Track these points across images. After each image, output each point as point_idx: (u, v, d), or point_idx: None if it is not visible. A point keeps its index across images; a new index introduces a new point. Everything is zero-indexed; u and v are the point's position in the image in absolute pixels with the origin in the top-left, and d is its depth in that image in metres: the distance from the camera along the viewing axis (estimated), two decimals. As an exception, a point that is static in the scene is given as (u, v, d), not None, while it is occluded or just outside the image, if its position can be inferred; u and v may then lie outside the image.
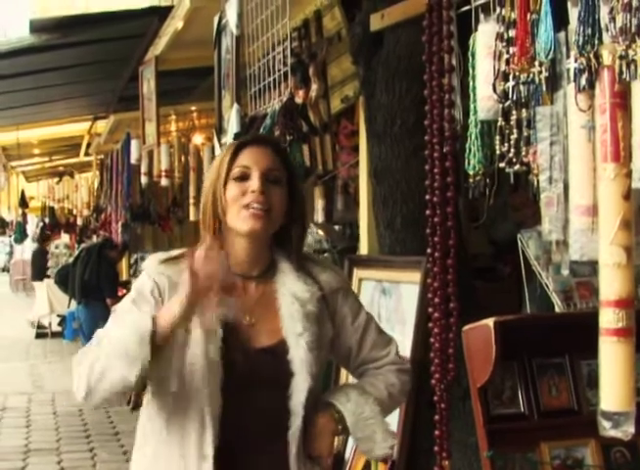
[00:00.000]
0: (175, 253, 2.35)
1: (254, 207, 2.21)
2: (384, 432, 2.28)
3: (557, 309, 3.60)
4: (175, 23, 5.87)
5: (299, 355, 2.22)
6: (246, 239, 2.26)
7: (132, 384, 2.11)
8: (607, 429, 1.96)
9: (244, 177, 2.24)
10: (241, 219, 2.22)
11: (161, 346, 2.13)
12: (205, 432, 2.18)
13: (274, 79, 4.38)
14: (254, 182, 2.22)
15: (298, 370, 2.22)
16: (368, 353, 2.39)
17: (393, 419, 3.84)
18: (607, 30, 1.95)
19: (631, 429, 1.99)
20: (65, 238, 21.48)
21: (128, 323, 2.14)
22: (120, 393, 2.16)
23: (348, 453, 3.96)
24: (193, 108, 9.16)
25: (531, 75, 2.29)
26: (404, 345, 3.91)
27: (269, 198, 2.23)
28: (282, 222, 2.29)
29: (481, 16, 2.59)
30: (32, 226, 22.33)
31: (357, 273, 4.45)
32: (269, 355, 2.24)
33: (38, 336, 16.56)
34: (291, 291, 2.28)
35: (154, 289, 2.27)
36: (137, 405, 10.34)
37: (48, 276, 10.16)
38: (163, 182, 9.04)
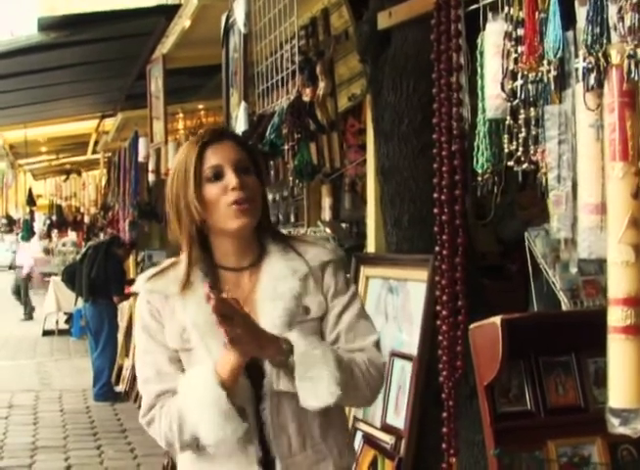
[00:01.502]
0: (160, 267, 2.39)
1: (239, 203, 2.22)
2: (330, 378, 2.15)
3: (564, 307, 3.61)
4: (183, 22, 5.88)
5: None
6: (233, 235, 2.28)
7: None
8: (615, 426, 1.96)
9: (217, 176, 2.24)
10: (229, 218, 2.23)
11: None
12: None
13: (282, 77, 4.39)
14: (231, 178, 2.22)
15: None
16: (344, 335, 2.32)
17: (401, 417, 3.86)
18: (615, 30, 1.95)
19: (640, 426, 1.99)
20: (72, 236, 21.53)
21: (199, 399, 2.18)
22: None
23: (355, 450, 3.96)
24: (200, 106, 9.15)
25: (540, 74, 2.29)
26: (411, 343, 3.93)
27: (248, 189, 2.23)
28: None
29: (490, 14, 2.59)
30: (40, 224, 22.35)
31: (364, 271, 4.45)
32: None
33: (45, 334, 16.61)
34: (271, 273, 2.29)
35: (152, 310, 2.32)
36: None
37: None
38: (171, 180, 9.03)
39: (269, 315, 2.25)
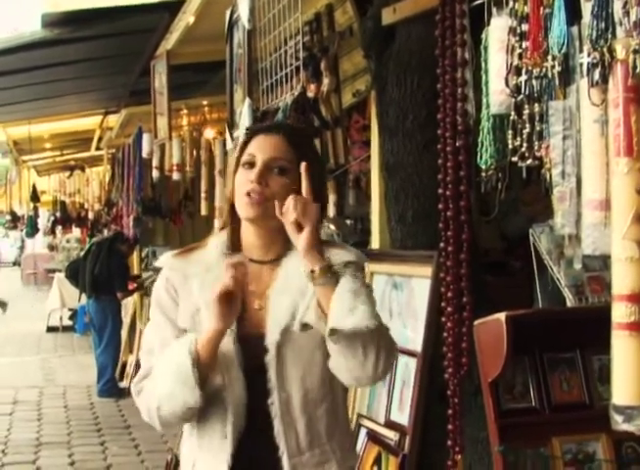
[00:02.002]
0: (186, 247, 2.42)
1: (251, 195, 2.23)
2: (370, 308, 2.13)
3: (568, 304, 3.60)
4: (187, 18, 5.87)
5: (276, 319, 2.24)
6: (253, 225, 2.30)
7: (195, 406, 2.22)
8: (619, 423, 1.96)
9: (250, 164, 2.27)
10: (241, 206, 2.27)
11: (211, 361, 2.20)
12: (227, 414, 2.24)
13: (286, 73, 4.38)
14: (255, 171, 2.24)
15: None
16: None
17: (405, 414, 3.85)
18: (620, 24, 1.94)
19: (644, 423, 1.99)
20: (76, 232, 21.55)
21: (171, 362, 2.22)
22: (182, 417, 2.26)
23: (359, 448, 3.96)
24: (204, 102, 9.14)
25: (544, 70, 2.29)
26: (416, 339, 3.92)
27: (269, 188, 2.24)
28: None
29: (494, 10, 2.59)
30: (44, 220, 22.37)
31: (369, 267, 4.44)
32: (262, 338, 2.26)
33: (49, 330, 16.63)
34: (287, 269, 2.29)
35: (168, 287, 2.34)
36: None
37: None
38: (175, 176, 9.03)
39: (276, 308, 2.26)
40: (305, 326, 2.21)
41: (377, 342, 2.18)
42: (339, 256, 2.30)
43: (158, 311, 2.35)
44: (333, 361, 2.22)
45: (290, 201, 2.16)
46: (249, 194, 2.23)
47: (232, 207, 2.32)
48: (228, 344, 2.23)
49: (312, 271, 2.16)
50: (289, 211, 2.15)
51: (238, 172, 2.29)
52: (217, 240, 2.36)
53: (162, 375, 2.23)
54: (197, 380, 2.16)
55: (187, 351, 2.18)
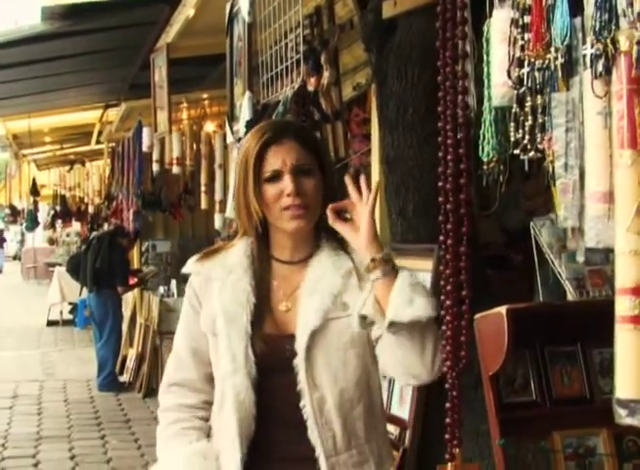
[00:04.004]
0: (212, 247, 2.45)
1: (293, 208, 2.22)
2: (430, 300, 2.16)
3: (569, 297, 3.59)
4: (187, 11, 5.87)
5: (306, 321, 2.24)
6: (289, 233, 2.29)
7: None
8: (622, 417, 1.95)
9: (276, 177, 2.24)
10: (284, 221, 2.25)
11: None
12: (235, 414, 2.25)
13: (286, 67, 4.37)
14: (287, 184, 2.22)
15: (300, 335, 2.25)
16: None
17: (405, 408, 3.85)
18: (624, 16, 1.93)
19: (647, 417, 1.98)
20: (76, 226, 21.55)
21: None
22: None
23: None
24: (204, 95, 9.15)
25: (547, 62, 2.27)
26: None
27: (304, 194, 2.24)
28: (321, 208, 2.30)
29: (496, 1, 2.57)
30: (44, 214, 22.38)
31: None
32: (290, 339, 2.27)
33: (49, 324, 16.64)
34: (316, 270, 2.29)
35: (190, 295, 2.39)
36: (148, 393, 10.41)
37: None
38: (175, 170, 9.04)
39: (305, 309, 2.25)
40: (364, 319, 2.20)
41: (435, 335, 2.21)
42: (361, 256, 2.32)
43: (182, 317, 2.41)
44: (388, 356, 2.22)
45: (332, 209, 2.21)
46: (287, 208, 2.23)
47: (251, 216, 2.29)
48: (239, 344, 2.22)
49: (373, 260, 2.17)
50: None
51: (264, 187, 2.25)
52: (243, 242, 2.35)
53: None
54: None
55: None
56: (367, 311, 2.18)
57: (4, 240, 35.88)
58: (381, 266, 2.17)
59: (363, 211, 2.20)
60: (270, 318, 2.27)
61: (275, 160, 2.25)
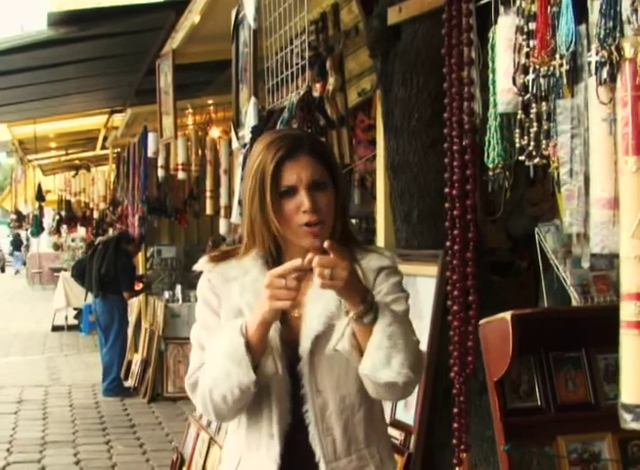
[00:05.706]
0: (222, 249, 2.45)
1: (311, 226, 2.22)
2: (407, 357, 2.15)
3: (574, 303, 3.59)
4: (192, 17, 5.88)
5: (311, 327, 2.24)
6: (305, 248, 2.27)
7: (249, 390, 2.20)
8: (628, 422, 1.96)
9: (291, 192, 2.23)
10: (301, 237, 2.24)
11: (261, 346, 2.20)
12: (272, 414, 2.26)
13: (291, 73, 4.38)
14: (304, 200, 2.21)
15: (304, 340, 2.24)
16: None
17: (410, 413, 3.85)
18: (629, 23, 1.94)
19: (652, 422, 1.98)
20: (81, 232, 21.57)
21: (223, 345, 2.21)
22: (235, 404, 2.24)
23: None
24: (210, 101, 9.15)
25: (552, 68, 2.28)
26: (421, 338, 3.90)
27: (320, 210, 2.23)
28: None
29: (501, 8, 2.59)
30: (49, 219, 22.40)
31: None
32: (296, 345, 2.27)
33: (54, 329, 16.65)
34: None
35: (211, 287, 2.36)
36: (153, 398, 10.37)
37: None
38: (180, 175, 9.05)
39: (310, 315, 2.26)
40: (337, 351, 2.21)
41: (409, 379, 2.19)
42: (372, 261, 2.33)
43: (206, 310, 2.36)
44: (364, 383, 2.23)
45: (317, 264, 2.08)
46: (305, 225, 2.22)
47: (269, 230, 2.28)
48: (274, 341, 2.23)
49: (347, 312, 2.15)
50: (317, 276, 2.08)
51: (281, 202, 2.24)
52: (254, 251, 2.34)
53: (216, 357, 2.21)
54: (251, 361, 2.16)
55: (239, 333, 2.17)
56: (342, 348, 2.19)
57: (22, 243, 36.29)
58: (359, 319, 2.14)
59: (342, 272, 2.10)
60: (285, 325, 2.28)
61: (290, 175, 2.24)
